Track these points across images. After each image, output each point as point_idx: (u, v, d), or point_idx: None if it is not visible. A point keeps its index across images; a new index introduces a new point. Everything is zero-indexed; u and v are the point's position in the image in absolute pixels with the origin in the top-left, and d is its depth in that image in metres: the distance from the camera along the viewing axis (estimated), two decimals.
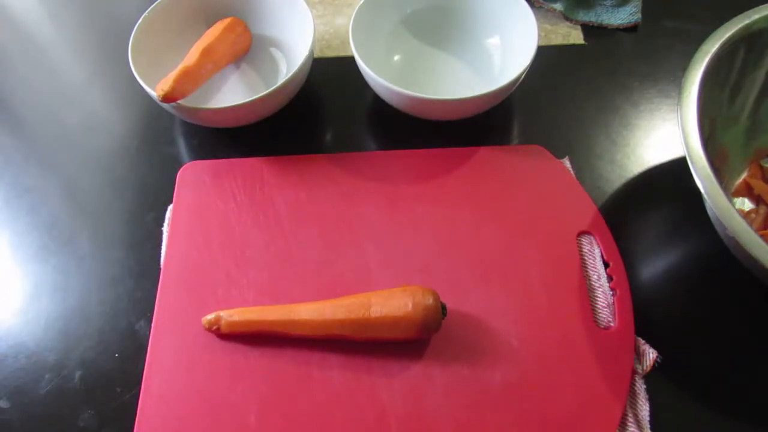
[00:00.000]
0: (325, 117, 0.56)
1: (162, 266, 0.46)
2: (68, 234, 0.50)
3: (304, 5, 0.53)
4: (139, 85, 0.48)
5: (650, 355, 0.42)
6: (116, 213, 0.51)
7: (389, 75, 0.50)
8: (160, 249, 0.48)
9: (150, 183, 0.52)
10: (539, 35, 0.51)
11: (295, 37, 0.55)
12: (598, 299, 0.44)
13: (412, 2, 0.57)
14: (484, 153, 0.51)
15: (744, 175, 0.49)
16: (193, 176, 0.51)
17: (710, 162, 0.38)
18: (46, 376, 0.43)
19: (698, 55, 0.43)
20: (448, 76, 0.56)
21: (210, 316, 0.43)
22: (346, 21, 0.62)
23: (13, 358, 0.44)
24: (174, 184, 0.50)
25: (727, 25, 0.44)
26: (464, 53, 0.57)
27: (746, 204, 0.48)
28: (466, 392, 0.41)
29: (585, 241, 0.47)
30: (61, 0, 0.65)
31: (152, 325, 0.44)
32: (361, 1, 0.53)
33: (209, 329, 0.43)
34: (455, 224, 0.48)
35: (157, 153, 0.54)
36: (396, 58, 0.57)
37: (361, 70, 0.50)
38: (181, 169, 0.51)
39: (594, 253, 0.46)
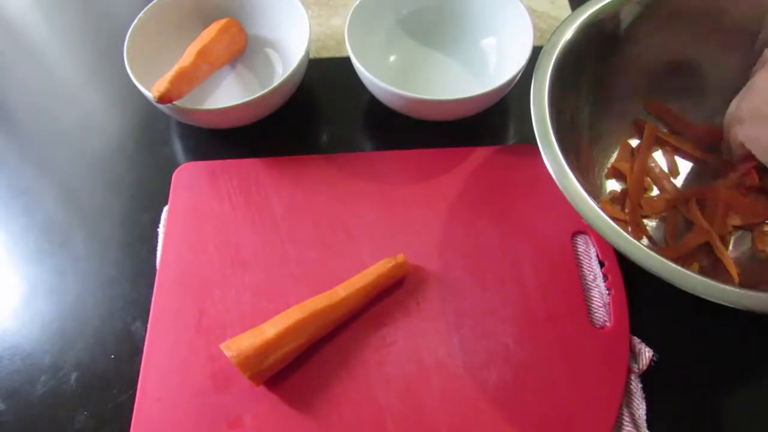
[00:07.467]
0: (320, 118, 0.56)
1: (158, 267, 0.46)
2: (64, 235, 0.50)
3: (300, 6, 0.53)
4: (135, 86, 0.48)
5: (646, 354, 0.42)
6: (112, 214, 0.51)
7: (385, 76, 0.50)
8: (156, 250, 0.48)
9: (145, 184, 0.52)
10: (535, 35, 0.51)
11: (290, 38, 0.55)
12: (593, 299, 0.45)
13: (408, 3, 0.57)
14: (480, 153, 0.51)
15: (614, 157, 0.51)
16: (189, 177, 0.51)
17: (563, 147, 0.40)
18: (42, 377, 0.43)
19: (547, 47, 0.44)
20: (444, 77, 0.56)
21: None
22: (341, 22, 0.63)
23: (8, 360, 0.44)
24: (170, 185, 0.50)
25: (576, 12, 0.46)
26: (460, 54, 0.57)
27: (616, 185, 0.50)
28: (462, 391, 0.41)
29: (580, 240, 0.47)
30: (56, 0, 0.65)
31: (148, 326, 0.44)
32: (357, 2, 0.53)
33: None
34: (451, 224, 0.48)
35: (153, 154, 0.54)
36: (392, 58, 0.57)
37: (357, 71, 0.50)
38: (177, 170, 0.51)
39: (589, 252, 0.46)
